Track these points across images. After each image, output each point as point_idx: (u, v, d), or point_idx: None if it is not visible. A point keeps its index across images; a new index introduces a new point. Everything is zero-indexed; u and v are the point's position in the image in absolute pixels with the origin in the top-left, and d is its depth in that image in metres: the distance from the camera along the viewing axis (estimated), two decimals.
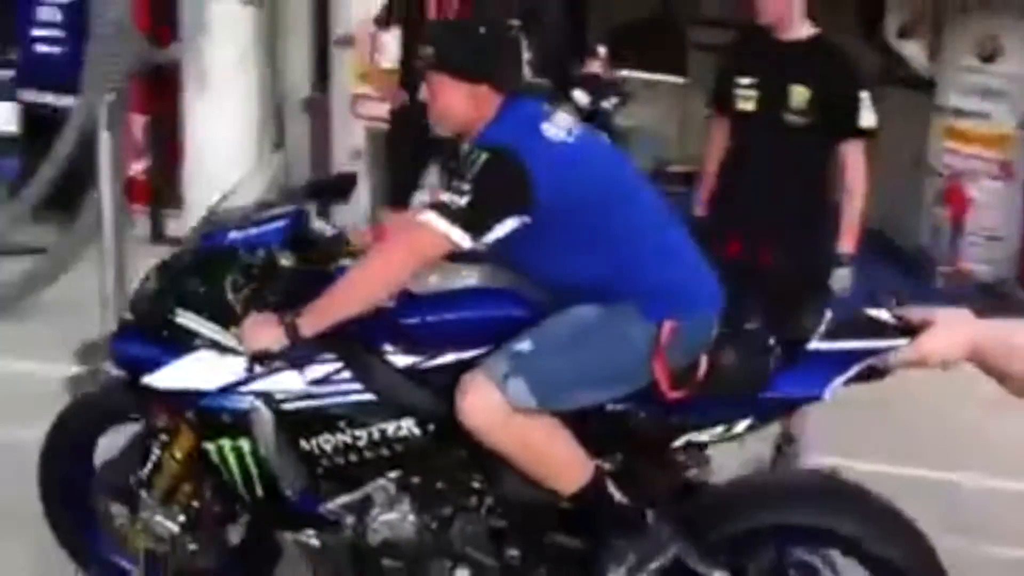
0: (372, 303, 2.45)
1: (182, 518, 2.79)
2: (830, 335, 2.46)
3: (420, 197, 4.67)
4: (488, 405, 2.40)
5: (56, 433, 2.95)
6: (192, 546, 2.81)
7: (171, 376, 2.60)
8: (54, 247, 5.09)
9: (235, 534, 2.94)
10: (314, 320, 2.43)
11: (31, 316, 4.82)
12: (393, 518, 2.62)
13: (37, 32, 5.77)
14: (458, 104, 2.52)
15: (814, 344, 2.47)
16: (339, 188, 3.01)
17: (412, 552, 2.62)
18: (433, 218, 2.38)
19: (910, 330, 1.93)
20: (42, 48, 5.81)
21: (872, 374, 2.42)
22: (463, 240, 2.38)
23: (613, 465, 2.57)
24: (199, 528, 2.81)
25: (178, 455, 2.76)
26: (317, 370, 2.54)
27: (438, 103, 2.55)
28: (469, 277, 2.71)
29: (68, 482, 2.99)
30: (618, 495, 2.52)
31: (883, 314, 2.39)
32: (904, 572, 2.49)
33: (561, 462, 2.50)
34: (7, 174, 5.83)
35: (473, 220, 2.38)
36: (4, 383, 4.11)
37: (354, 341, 2.52)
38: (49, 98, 5.71)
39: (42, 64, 5.83)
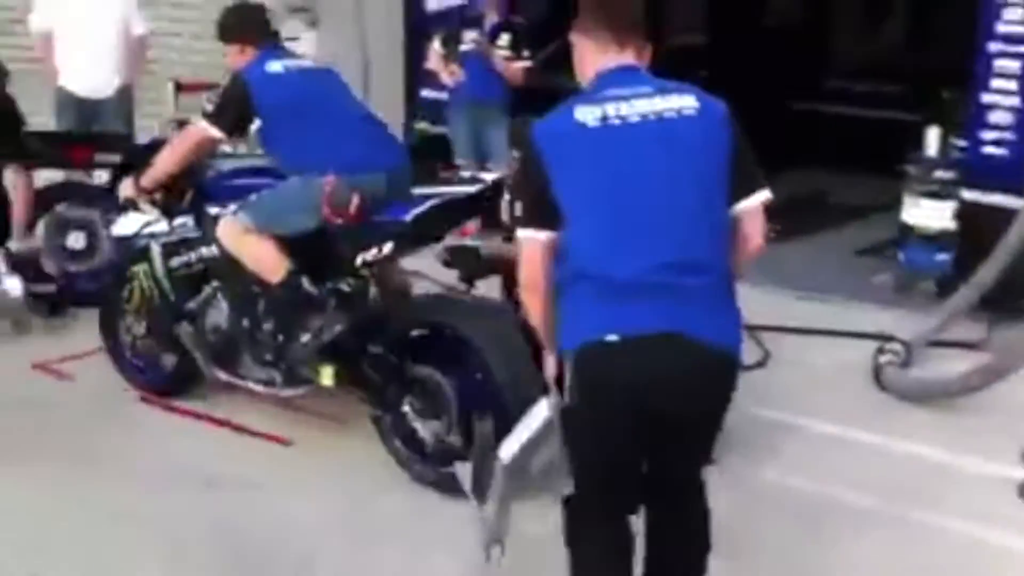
0: (174, 167, 4.37)
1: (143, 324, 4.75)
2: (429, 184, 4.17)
3: None
4: (228, 229, 4.22)
5: None
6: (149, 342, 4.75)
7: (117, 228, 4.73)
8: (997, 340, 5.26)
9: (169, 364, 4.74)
10: (148, 177, 4.42)
11: (971, 411, 4.79)
12: (214, 312, 4.48)
13: (987, 135, 6.14)
14: (230, 57, 4.38)
15: (416, 189, 4.11)
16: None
17: (226, 332, 4.44)
18: (201, 120, 4.25)
19: None
20: (990, 150, 6.17)
21: None
22: (217, 132, 4.21)
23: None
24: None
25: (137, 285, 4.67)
26: (177, 220, 4.51)
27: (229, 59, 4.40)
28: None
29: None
30: (308, 287, 4.14)
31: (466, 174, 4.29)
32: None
33: (268, 263, 4.16)
34: (940, 268, 6.27)
35: (218, 121, 4.19)
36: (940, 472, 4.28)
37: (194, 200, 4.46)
38: (996, 198, 6.03)
39: (989, 164, 6.16)
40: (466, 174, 4.22)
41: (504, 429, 3.23)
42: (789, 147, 10.06)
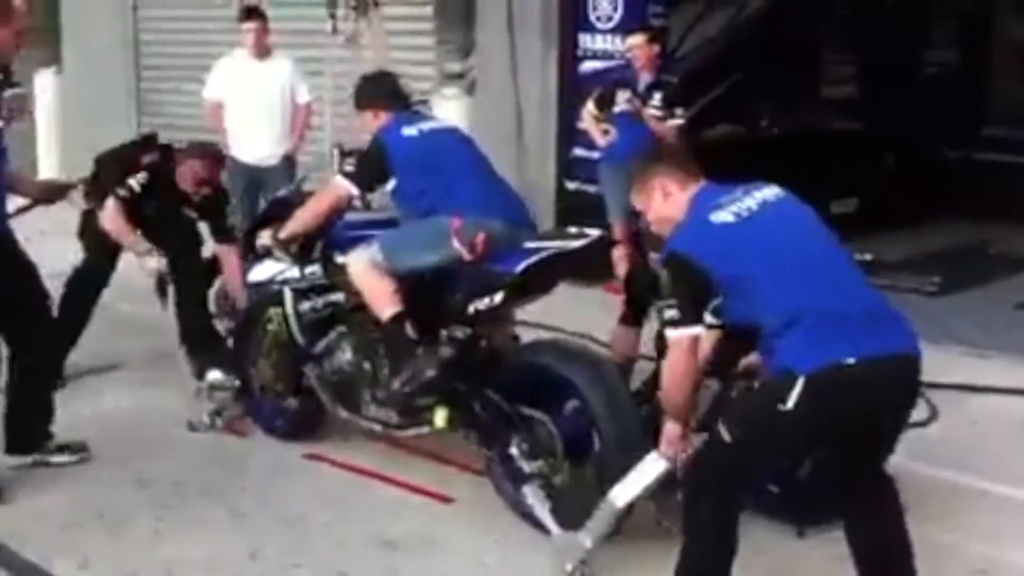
0: (314, 221, 4.68)
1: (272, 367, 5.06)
2: (537, 238, 4.34)
3: None
4: (357, 261, 4.45)
5: None
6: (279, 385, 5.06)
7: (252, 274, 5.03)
8: None
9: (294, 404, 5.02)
10: (287, 229, 4.72)
11: None
12: (338, 354, 4.76)
13: None
14: (366, 122, 4.72)
15: (525, 243, 4.25)
16: None
17: (348, 374, 4.72)
18: (340, 178, 4.61)
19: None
20: None
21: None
22: (355, 189, 4.56)
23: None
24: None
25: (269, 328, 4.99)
26: (307, 268, 4.77)
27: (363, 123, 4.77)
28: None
29: None
30: (410, 331, 4.37)
31: (572, 229, 4.40)
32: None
33: (382, 300, 4.38)
34: None
35: (357, 179, 4.56)
36: None
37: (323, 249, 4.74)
38: None
39: None
40: (573, 229, 4.33)
41: (605, 470, 3.85)
42: (947, 196, 9.87)
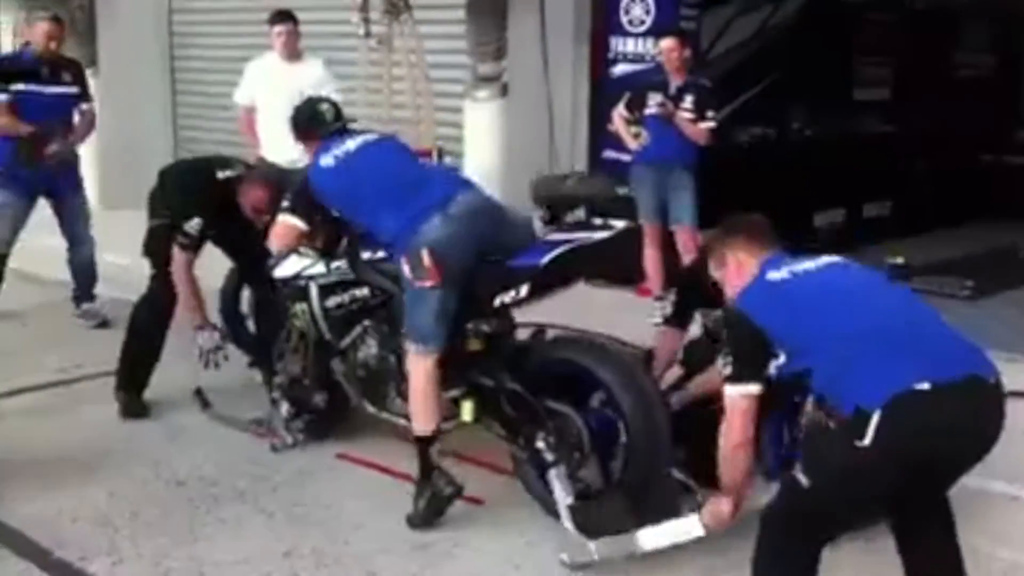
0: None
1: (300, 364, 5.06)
2: (558, 230, 4.29)
3: None
4: (416, 371, 4.28)
5: None
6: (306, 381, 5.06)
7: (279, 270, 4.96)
8: None
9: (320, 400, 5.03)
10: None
11: None
12: (364, 348, 4.78)
13: None
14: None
15: (549, 236, 4.25)
16: None
17: (374, 368, 4.75)
18: (285, 215, 4.65)
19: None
20: None
21: None
22: (300, 224, 4.63)
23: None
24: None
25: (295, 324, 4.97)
26: (333, 263, 4.78)
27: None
28: None
29: None
30: (435, 459, 4.30)
31: (597, 221, 4.29)
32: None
33: (425, 411, 4.26)
34: None
35: (296, 214, 4.62)
36: None
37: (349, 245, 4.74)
38: None
39: None
40: (598, 221, 4.31)
41: (634, 466, 4.00)
42: (980, 201, 9.81)
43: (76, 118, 6.96)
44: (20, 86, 6.67)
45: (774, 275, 3.33)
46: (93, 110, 7.11)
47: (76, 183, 7.10)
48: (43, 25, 6.69)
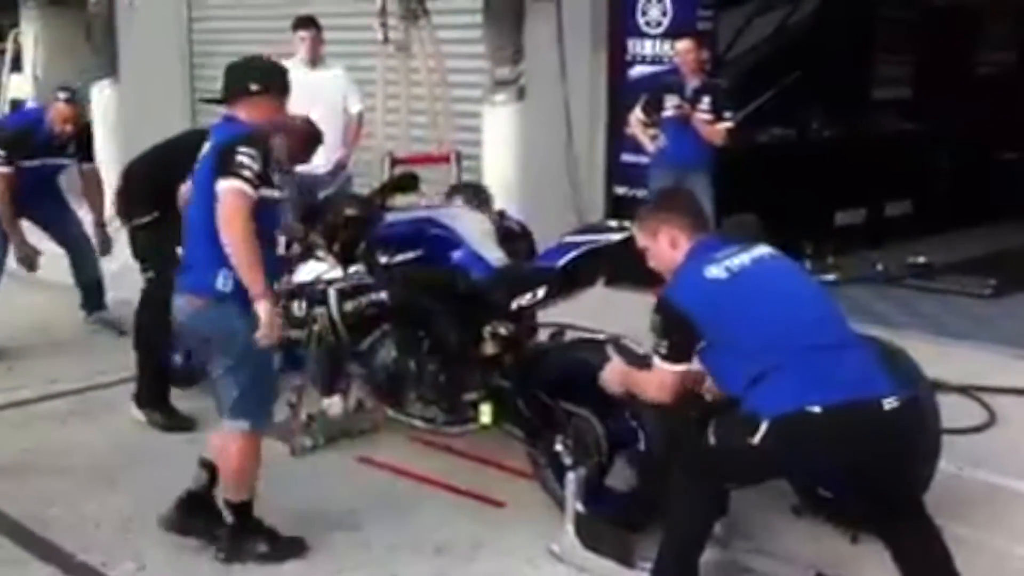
0: None
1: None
2: (574, 233, 4.33)
3: None
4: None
5: None
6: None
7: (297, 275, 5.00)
8: None
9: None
10: None
11: None
12: (383, 352, 4.79)
13: None
14: None
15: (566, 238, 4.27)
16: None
17: (393, 372, 4.75)
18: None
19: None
20: None
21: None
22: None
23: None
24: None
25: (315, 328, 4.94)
26: (351, 268, 4.82)
27: None
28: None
29: None
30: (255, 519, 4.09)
31: (612, 223, 4.33)
32: None
33: (242, 485, 4.04)
34: None
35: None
36: None
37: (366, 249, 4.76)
38: None
39: None
40: (614, 222, 4.31)
41: (650, 468, 3.99)
42: (999, 199, 9.74)
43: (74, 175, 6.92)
44: (28, 163, 6.50)
45: (711, 271, 3.44)
46: (95, 170, 7.00)
47: (59, 202, 7.00)
48: (59, 107, 6.53)
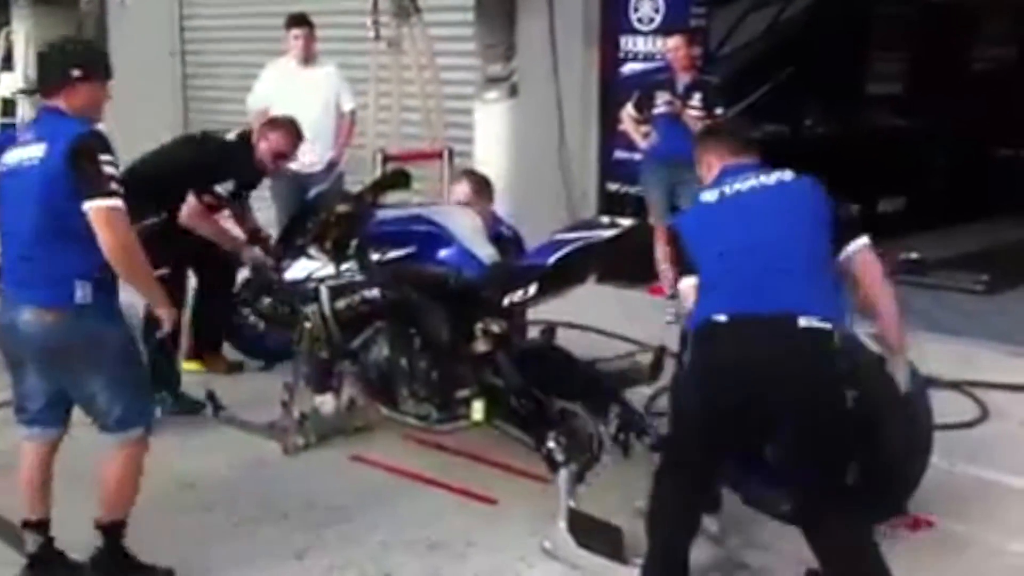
0: None
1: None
2: (566, 229, 4.29)
3: None
4: None
5: None
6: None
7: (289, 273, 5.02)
8: None
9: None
10: None
11: None
12: (375, 350, 4.78)
13: None
14: None
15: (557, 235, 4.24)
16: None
17: (385, 370, 4.74)
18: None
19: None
20: None
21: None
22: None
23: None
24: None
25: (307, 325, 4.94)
26: (343, 266, 4.80)
27: None
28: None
29: None
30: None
31: (605, 219, 4.37)
32: None
33: (126, 499, 3.82)
34: None
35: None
36: None
37: (359, 247, 4.73)
38: None
39: None
40: (605, 219, 4.30)
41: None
42: (994, 195, 9.75)
43: None
44: None
45: (707, 196, 3.56)
46: None
47: None
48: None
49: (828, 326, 3.24)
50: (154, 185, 5.31)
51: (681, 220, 3.74)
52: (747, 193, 3.51)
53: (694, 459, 3.51)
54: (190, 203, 5.24)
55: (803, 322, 3.21)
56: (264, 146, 5.44)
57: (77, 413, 3.85)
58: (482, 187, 5.28)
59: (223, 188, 5.27)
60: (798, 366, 3.25)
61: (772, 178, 3.55)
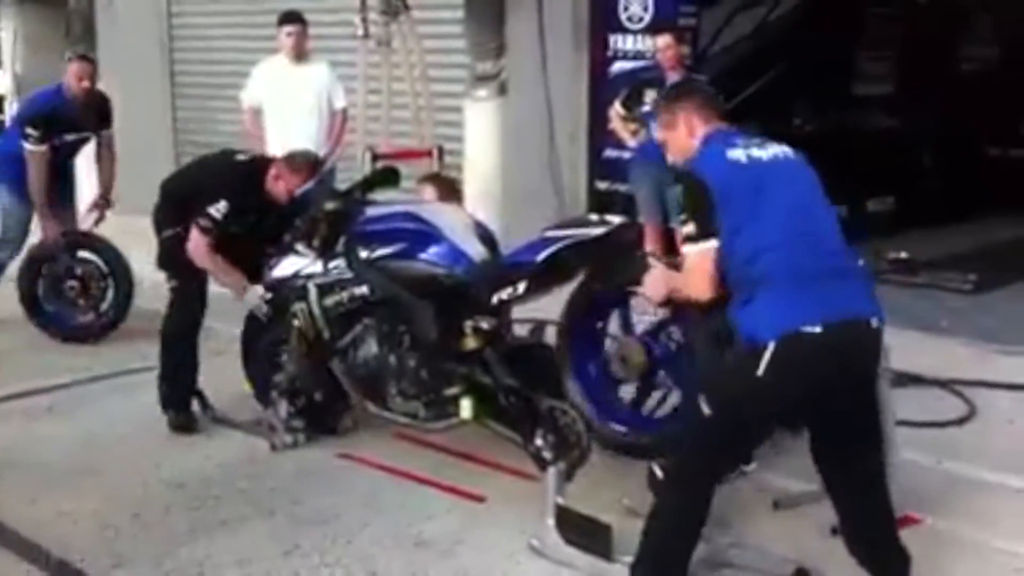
0: None
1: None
2: (555, 227, 4.28)
3: None
4: None
5: None
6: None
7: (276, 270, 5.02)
8: None
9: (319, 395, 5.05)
10: None
11: None
12: (364, 347, 4.78)
13: None
14: None
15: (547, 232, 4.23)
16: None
17: (374, 367, 4.75)
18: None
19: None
20: None
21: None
22: None
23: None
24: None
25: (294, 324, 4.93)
26: (331, 263, 4.79)
27: None
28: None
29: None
30: None
31: (594, 217, 4.35)
32: None
33: None
34: None
35: None
36: None
37: (347, 244, 4.73)
38: None
39: None
40: (595, 217, 4.29)
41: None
42: (985, 194, 9.77)
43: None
44: (59, 139, 6.74)
45: (733, 153, 3.41)
46: (112, 138, 7.13)
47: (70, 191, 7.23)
48: (73, 66, 6.80)
49: (883, 323, 3.38)
50: (176, 199, 5.40)
51: (707, 168, 3.42)
52: (778, 164, 3.45)
53: (723, 466, 3.60)
54: (193, 237, 5.15)
55: (874, 323, 3.34)
56: (281, 185, 5.23)
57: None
58: (448, 191, 5.29)
59: (216, 210, 5.11)
60: (873, 367, 3.47)
61: (781, 150, 3.50)
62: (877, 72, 10.31)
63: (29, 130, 6.64)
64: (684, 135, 3.57)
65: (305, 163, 5.37)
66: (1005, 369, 5.73)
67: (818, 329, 3.19)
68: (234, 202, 5.14)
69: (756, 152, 3.43)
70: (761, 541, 3.98)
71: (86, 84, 6.76)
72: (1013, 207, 9.49)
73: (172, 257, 5.35)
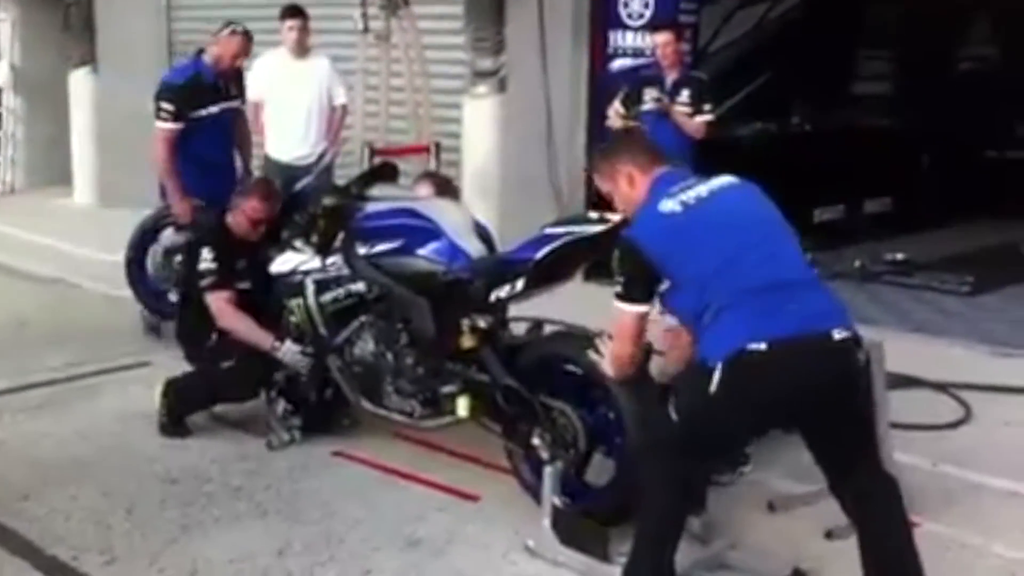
0: None
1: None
2: (554, 224, 4.23)
3: None
4: None
5: None
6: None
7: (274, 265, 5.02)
8: None
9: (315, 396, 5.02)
10: None
11: None
12: (360, 344, 4.77)
13: None
14: None
15: (545, 230, 4.17)
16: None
17: (370, 364, 4.74)
18: None
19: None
20: None
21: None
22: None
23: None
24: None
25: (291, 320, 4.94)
26: (329, 259, 4.80)
27: None
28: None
29: None
30: None
31: (593, 214, 4.14)
32: None
33: None
34: None
35: None
36: None
37: (344, 240, 4.70)
38: None
39: None
40: (593, 214, 4.26)
41: (630, 464, 3.86)
42: (981, 196, 9.78)
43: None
44: (197, 112, 6.41)
45: (666, 205, 3.43)
46: (244, 113, 6.89)
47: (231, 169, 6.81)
48: (236, 41, 6.49)
49: (853, 332, 3.32)
50: None
51: (639, 234, 3.46)
52: (714, 200, 3.46)
53: (700, 474, 3.61)
54: (210, 301, 5.04)
55: (836, 335, 3.28)
56: (240, 217, 5.18)
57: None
58: (444, 189, 5.26)
59: (204, 262, 5.05)
60: (840, 380, 3.34)
61: (722, 182, 3.53)
62: (877, 71, 10.31)
63: (164, 105, 6.35)
64: (625, 188, 3.63)
65: (253, 186, 5.35)
66: (1001, 372, 5.72)
67: (763, 346, 3.20)
68: (214, 246, 5.07)
69: (690, 195, 3.45)
70: (758, 543, 3.97)
71: (240, 62, 6.58)
72: (1010, 209, 9.49)
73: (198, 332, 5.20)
